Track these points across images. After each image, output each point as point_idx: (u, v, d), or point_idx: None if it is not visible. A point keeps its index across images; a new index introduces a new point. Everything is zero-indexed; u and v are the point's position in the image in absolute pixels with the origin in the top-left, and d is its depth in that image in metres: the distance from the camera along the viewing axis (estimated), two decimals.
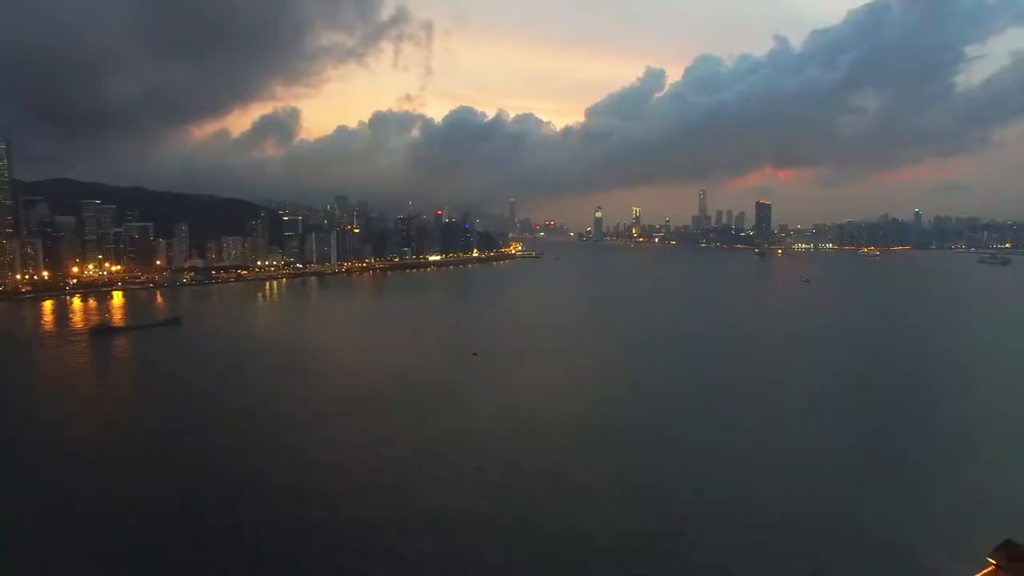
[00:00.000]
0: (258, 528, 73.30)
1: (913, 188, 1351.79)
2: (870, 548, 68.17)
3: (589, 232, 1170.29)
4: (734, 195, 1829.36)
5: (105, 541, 71.02)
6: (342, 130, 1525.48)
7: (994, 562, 47.77)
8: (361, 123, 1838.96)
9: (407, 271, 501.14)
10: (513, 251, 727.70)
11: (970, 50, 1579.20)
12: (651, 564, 66.20)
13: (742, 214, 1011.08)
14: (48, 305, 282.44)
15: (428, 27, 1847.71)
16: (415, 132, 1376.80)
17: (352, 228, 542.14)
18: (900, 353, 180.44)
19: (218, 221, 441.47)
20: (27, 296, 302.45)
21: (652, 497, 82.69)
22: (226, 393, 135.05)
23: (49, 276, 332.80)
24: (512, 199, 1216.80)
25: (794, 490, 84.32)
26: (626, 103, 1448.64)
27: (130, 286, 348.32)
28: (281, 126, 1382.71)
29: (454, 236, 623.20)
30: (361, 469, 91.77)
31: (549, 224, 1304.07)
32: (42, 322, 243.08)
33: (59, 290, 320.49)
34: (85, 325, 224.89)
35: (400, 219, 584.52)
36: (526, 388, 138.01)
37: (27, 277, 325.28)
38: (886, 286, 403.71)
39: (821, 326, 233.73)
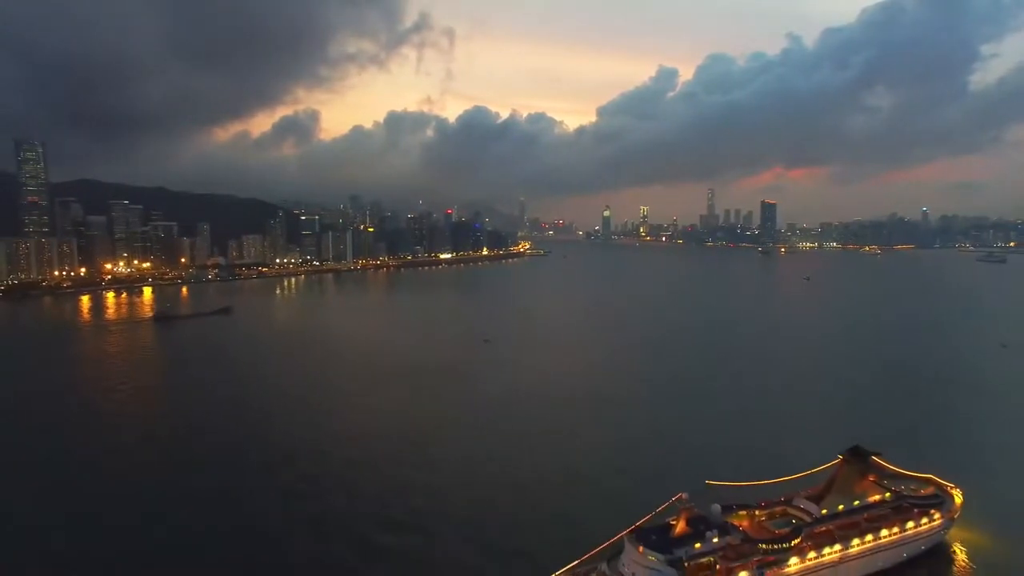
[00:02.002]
0: (313, 469, 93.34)
1: (926, 187, 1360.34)
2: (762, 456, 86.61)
3: (597, 231, 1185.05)
4: (744, 194, 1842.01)
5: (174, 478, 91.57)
6: (357, 130, 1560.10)
7: (841, 456, 67.44)
8: (376, 123, 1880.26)
9: (419, 268, 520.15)
10: (522, 249, 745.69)
11: (985, 49, 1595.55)
12: (620, 490, 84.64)
13: (750, 213, 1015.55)
14: (89, 299, 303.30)
15: (450, 33, 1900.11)
16: (429, 132, 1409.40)
17: (367, 227, 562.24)
18: (862, 336, 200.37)
19: (237, 220, 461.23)
20: (68, 291, 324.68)
21: (628, 446, 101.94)
22: (277, 370, 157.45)
23: (85, 272, 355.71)
24: (522, 198, 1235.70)
25: (740, 438, 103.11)
26: (638, 102, 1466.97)
27: (159, 282, 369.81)
28: (301, 127, 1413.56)
29: (464, 235, 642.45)
30: (391, 430, 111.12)
31: (558, 223, 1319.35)
32: (100, 313, 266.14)
33: (95, 285, 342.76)
34: (144, 314, 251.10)
35: (411, 218, 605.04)
36: (531, 368, 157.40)
37: (64, 273, 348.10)
38: (878, 283, 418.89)
39: (811, 318, 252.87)
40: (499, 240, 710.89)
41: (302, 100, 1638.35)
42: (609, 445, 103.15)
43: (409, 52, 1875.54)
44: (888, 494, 67.68)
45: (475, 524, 74.51)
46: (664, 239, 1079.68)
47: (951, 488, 70.90)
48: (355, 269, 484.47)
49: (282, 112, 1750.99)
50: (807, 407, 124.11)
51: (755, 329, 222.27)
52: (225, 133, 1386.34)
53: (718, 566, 56.54)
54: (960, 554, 68.37)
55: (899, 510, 65.92)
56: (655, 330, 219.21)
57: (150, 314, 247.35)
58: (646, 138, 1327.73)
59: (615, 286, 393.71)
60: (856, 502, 65.80)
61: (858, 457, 68.30)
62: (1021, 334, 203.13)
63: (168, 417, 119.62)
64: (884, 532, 63.67)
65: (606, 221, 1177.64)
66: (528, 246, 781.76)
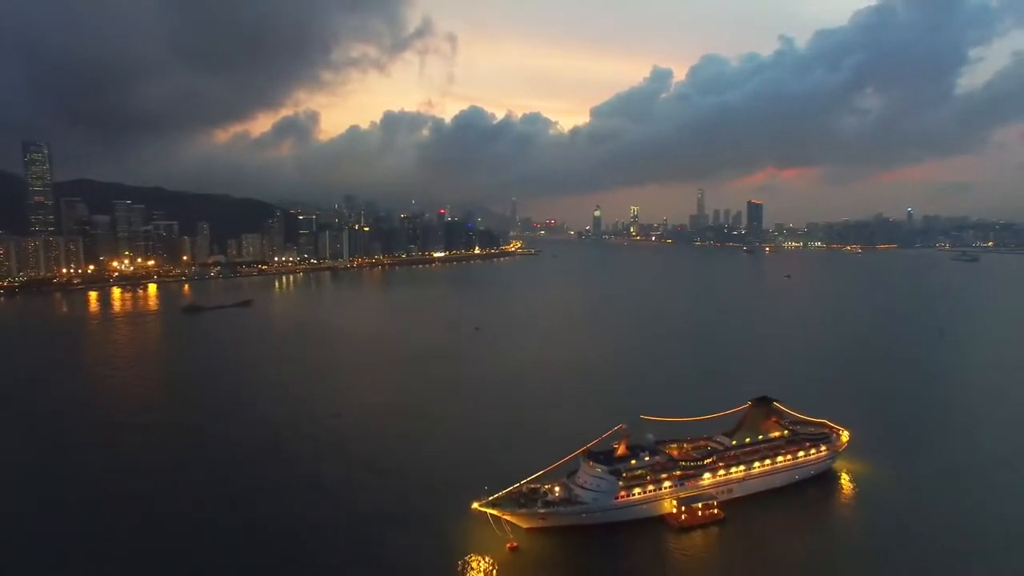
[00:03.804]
0: (326, 427, 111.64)
1: (914, 188, 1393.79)
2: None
3: (588, 231, 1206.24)
4: (737, 194, 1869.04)
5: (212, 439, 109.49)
6: (354, 130, 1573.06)
7: (751, 402, 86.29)
8: (373, 123, 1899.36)
9: (414, 266, 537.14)
10: (513, 248, 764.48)
11: (973, 53, 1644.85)
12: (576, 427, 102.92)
13: (739, 213, 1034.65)
14: (97, 295, 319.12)
15: (452, 39, 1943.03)
16: (425, 132, 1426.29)
17: (363, 227, 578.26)
18: (823, 322, 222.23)
19: (234, 220, 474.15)
20: (79, 287, 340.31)
21: (588, 396, 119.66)
22: (295, 352, 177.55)
23: (92, 270, 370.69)
24: (514, 198, 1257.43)
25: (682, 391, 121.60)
26: (632, 103, 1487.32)
27: (164, 279, 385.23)
28: (300, 128, 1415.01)
29: (457, 234, 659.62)
30: (394, 399, 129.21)
31: (549, 223, 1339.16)
32: (125, 306, 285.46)
33: (103, 282, 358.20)
34: (174, 306, 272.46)
35: (405, 217, 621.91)
36: (517, 352, 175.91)
37: (72, 271, 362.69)
38: (851, 279, 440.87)
39: (784, 309, 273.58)
40: (491, 239, 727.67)
41: (303, 102, 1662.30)
42: (574, 399, 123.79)
43: (412, 57, 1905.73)
44: (786, 431, 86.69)
45: (461, 465, 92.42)
46: (654, 239, 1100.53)
47: (840, 430, 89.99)
48: (351, 267, 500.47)
49: (283, 113, 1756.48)
50: (752, 373, 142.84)
51: (730, 317, 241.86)
52: (225, 134, 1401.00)
53: (648, 477, 75.23)
54: (844, 478, 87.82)
55: (793, 442, 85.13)
56: (630, 318, 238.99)
57: (179, 305, 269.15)
58: (639, 139, 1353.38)
59: (599, 282, 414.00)
60: (760, 437, 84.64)
61: (763, 403, 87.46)
62: (960, 323, 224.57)
63: (218, 386, 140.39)
64: (780, 459, 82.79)
65: (597, 221, 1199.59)
66: (519, 245, 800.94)
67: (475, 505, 71.21)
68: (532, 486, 74.49)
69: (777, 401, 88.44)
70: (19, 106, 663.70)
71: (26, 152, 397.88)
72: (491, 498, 71.41)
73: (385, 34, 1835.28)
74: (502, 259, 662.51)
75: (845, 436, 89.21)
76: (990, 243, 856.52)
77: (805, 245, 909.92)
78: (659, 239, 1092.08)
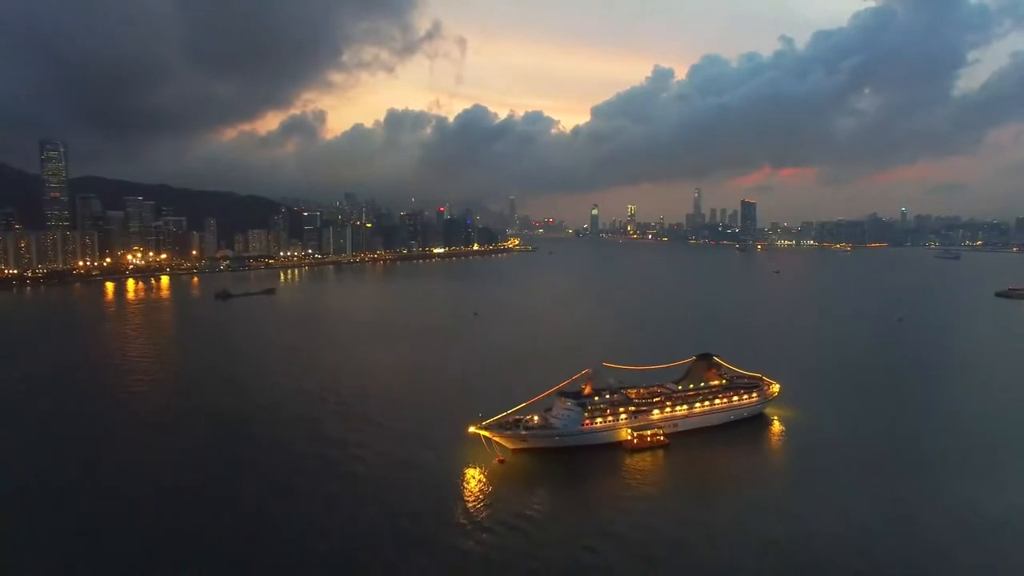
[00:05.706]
0: (337, 391, 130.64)
1: (910, 188, 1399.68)
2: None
3: (586, 228, 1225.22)
4: (734, 193, 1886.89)
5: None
6: (358, 128, 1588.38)
7: (695, 357, 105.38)
8: (377, 122, 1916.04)
9: (414, 261, 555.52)
10: (511, 245, 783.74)
11: (971, 55, 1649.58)
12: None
13: (735, 212, 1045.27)
14: (114, 286, 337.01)
15: (462, 43, 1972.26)
16: (428, 131, 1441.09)
17: (364, 223, 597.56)
18: (798, 308, 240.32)
19: (240, 216, 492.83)
20: (97, 278, 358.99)
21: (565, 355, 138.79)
22: (317, 331, 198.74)
23: (109, 262, 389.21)
24: (512, 196, 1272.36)
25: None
26: (633, 103, 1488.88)
27: (176, 271, 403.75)
28: (307, 127, 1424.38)
29: (456, 231, 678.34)
30: (398, 368, 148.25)
31: (548, 221, 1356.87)
32: (151, 295, 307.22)
33: (120, 274, 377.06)
34: (206, 293, 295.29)
35: (405, 215, 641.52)
36: (512, 334, 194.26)
37: (90, 263, 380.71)
38: (836, 275, 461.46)
39: (767, 298, 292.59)
40: (489, 237, 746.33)
41: (311, 102, 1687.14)
42: (555, 359, 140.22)
43: (420, 60, 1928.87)
44: (724, 381, 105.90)
45: (461, 406, 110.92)
46: (650, 237, 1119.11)
47: (772, 383, 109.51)
48: (354, 262, 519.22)
49: (291, 112, 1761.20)
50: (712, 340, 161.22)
51: (714, 302, 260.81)
52: (233, 132, 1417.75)
53: (608, 410, 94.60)
54: (773, 420, 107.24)
55: (729, 389, 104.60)
56: (617, 304, 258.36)
57: (208, 293, 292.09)
58: (639, 139, 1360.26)
59: (590, 276, 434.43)
60: (702, 384, 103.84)
61: (705, 357, 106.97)
62: (919, 312, 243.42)
63: (259, 354, 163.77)
64: (718, 401, 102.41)
65: (594, 219, 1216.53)
66: (517, 242, 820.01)
67: (471, 429, 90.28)
68: (516, 416, 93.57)
69: (716, 356, 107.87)
70: (33, 105, 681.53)
71: (43, 150, 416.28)
72: (484, 423, 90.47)
73: (396, 37, 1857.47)
74: (500, 255, 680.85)
75: (776, 387, 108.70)
76: (979, 242, 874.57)
77: (797, 243, 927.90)
78: (655, 237, 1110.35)
